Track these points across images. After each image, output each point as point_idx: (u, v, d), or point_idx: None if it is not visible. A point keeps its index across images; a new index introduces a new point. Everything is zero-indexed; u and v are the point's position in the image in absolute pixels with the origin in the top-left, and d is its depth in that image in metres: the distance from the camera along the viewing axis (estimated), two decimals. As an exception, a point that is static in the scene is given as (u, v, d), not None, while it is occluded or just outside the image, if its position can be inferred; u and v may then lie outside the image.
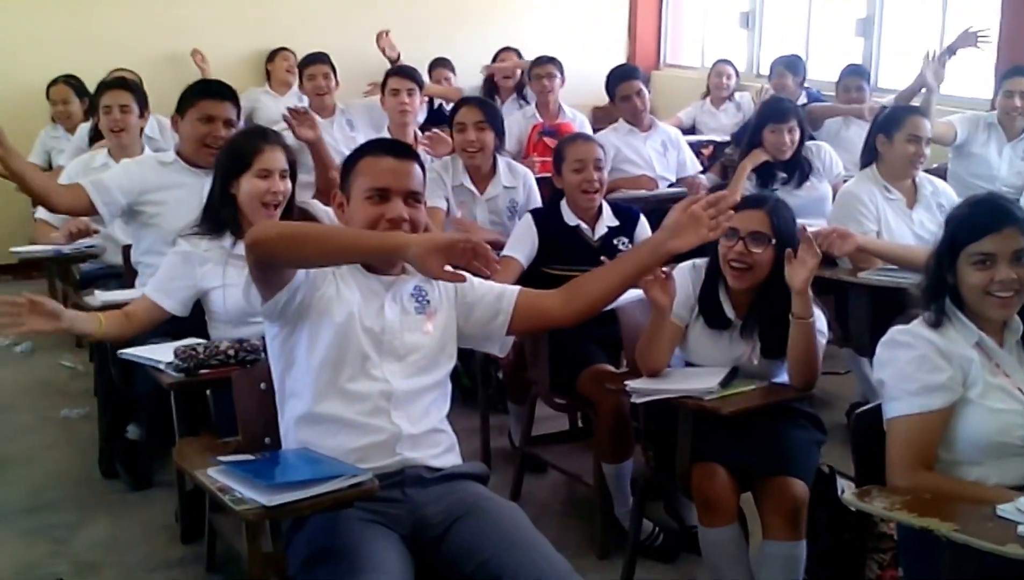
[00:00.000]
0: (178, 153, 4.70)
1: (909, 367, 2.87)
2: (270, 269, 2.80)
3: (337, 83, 7.25)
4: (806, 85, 8.07)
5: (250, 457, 2.94)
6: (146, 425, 4.68)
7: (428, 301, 3.02)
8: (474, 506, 2.89)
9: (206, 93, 4.69)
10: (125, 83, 5.80)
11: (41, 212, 5.59)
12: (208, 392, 3.71)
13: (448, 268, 2.61)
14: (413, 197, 3.01)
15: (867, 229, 5.01)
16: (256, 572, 2.82)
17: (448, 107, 7.25)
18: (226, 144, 4.26)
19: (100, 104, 5.62)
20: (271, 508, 2.59)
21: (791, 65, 7.99)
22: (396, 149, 3.14)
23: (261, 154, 3.93)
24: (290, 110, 5.34)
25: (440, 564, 2.82)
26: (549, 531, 4.05)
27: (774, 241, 3.58)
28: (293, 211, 4.04)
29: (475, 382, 5.13)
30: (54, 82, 7.51)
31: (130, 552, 4.21)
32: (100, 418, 4.95)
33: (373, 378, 2.93)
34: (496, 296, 3.13)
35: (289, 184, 3.97)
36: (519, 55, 8.35)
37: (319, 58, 7.27)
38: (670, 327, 3.64)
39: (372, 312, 2.96)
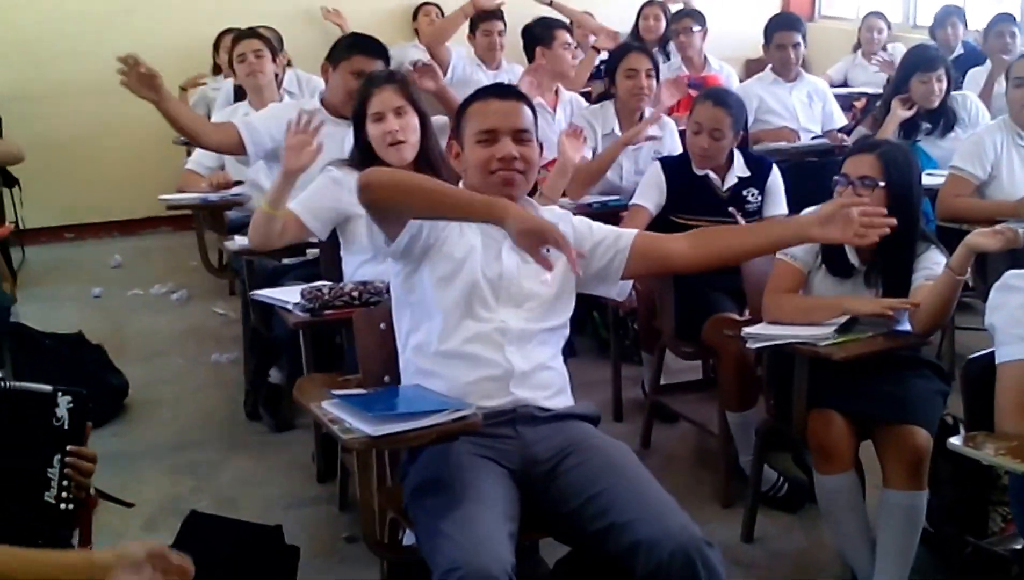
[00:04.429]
0: (322, 101, 4.77)
1: (1021, 311, 2.83)
2: (382, 212, 2.89)
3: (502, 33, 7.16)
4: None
5: (364, 391, 3.04)
6: (287, 369, 4.80)
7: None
8: (583, 444, 2.93)
9: (360, 48, 4.74)
10: (254, 32, 5.83)
11: (190, 163, 5.79)
12: (342, 333, 3.86)
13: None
14: (522, 135, 3.08)
15: (975, 173, 5.00)
16: (366, 498, 2.92)
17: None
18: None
19: (234, 55, 5.73)
20: (376, 438, 2.66)
21: (961, 15, 7.80)
22: (501, 91, 3.22)
23: (371, 99, 3.99)
24: (412, 64, 5.49)
25: (548, 500, 2.86)
26: (677, 480, 4.19)
27: (883, 184, 3.51)
28: (430, 145, 4.06)
29: (611, 333, 5.14)
30: (226, 32, 7.51)
31: (267, 489, 4.37)
32: (246, 362, 5.15)
33: (490, 319, 2.99)
34: (614, 239, 3.17)
35: (410, 119, 3.98)
36: (664, 10, 8.20)
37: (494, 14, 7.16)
38: (791, 273, 3.65)
39: (491, 258, 3.03)
